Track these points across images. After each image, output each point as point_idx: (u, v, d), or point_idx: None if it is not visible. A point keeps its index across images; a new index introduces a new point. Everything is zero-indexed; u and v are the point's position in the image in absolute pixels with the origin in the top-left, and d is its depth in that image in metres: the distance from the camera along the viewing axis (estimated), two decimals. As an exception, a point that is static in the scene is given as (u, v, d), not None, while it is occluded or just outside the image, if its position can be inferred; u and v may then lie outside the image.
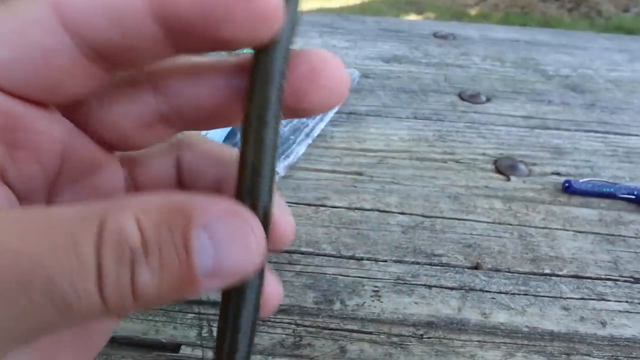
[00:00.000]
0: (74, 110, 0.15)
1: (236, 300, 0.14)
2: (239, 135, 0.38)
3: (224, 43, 0.12)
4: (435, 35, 0.67)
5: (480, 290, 0.29)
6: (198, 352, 0.25)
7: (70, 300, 0.10)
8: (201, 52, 0.13)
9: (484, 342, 0.26)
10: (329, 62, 0.14)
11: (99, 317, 0.11)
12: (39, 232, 0.11)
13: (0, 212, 0.12)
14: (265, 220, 0.13)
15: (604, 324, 0.27)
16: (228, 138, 0.38)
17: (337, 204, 0.35)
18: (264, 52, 0.13)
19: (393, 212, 0.35)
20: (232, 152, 0.16)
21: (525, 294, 0.29)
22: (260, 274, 0.14)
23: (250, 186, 0.13)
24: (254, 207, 0.13)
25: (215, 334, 0.25)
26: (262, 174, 0.13)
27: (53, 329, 0.11)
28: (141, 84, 0.15)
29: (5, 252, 0.10)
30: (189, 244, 0.11)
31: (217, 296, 0.28)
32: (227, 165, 0.16)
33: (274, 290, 0.15)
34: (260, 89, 0.13)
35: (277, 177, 0.14)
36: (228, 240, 0.12)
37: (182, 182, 0.17)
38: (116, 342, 0.25)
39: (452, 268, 0.30)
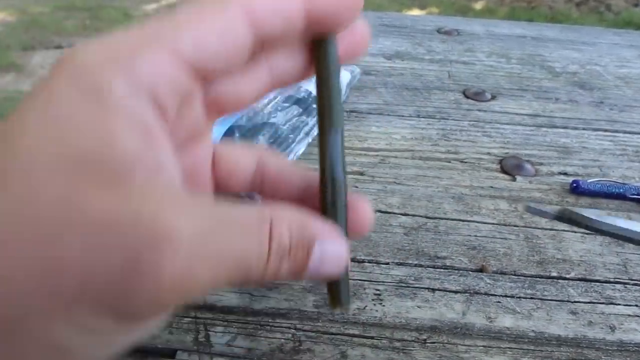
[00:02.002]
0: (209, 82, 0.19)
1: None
2: (236, 134, 0.38)
3: (327, 27, 0.19)
4: (438, 30, 0.67)
5: (485, 293, 0.29)
6: (195, 358, 0.25)
7: (249, 272, 0.17)
8: (309, 35, 0.20)
9: (489, 347, 0.26)
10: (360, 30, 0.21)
11: (256, 282, 0.17)
12: (242, 228, 0.17)
13: (210, 207, 0.17)
14: (345, 220, 0.21)
15: (613, 328, 0.27)
16: (226, 135, 0.38)
17: (337, 205, 0.35)
18: (330, 36, 0.20)
19: (395, 213, 0.35)
20: (304, 169, 0.23)
21: (532, 298, 0.29)
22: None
23: (332, 200, 0.21)
24: (335, 216, 0.20)
25: (211, 339, 0.25)
26: (340, 187, 0.21)
27: (233, 282, 0.17)
28: (260, 62, 0.20)
29: (229, 238, 0.16)
30: (310, 251, 0.18)
31: (213, 300, 0.28)
32: (303, 178, 0.22)
33: (365, 214, 0.22)
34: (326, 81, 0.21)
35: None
36: (329, 254, 0.19)
37: (261, 177, 0.23)
38: (110, 347, 0.25)
39: (456, 271, 0.30)
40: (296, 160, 0.24)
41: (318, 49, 0.20)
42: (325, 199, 0.21)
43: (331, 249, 0.19)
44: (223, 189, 0.23)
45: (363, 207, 0.22)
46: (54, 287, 0.14)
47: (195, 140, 0.21)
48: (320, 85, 0.21)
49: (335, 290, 0.21)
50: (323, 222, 0.19)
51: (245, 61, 0.19)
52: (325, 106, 0.21)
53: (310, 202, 0.22)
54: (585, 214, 0.30)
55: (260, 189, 0.23)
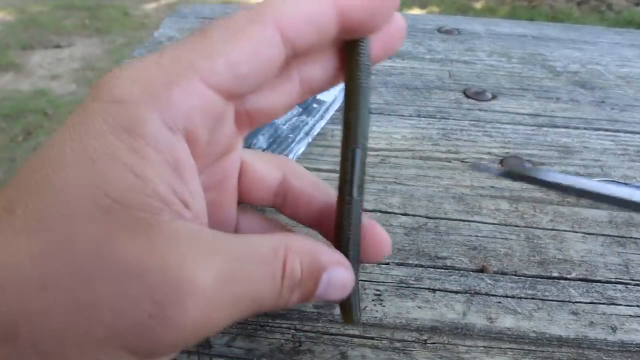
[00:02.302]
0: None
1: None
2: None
3: (359, 33, 0.19)
4: (439, 30, 0.67)
5: (486, 294, 0.29)
6: (194, 358, 0.25)
7: (261, 307, 0.18)
8: (342, 39, 0.19)
9: (490, 347, 0.26)
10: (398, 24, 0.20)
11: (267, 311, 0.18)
12: (258, 265, 0.17)
13: (228, 241, 0.18)
14: (357, 241, 0.21)
15: (614, 329, 0.27)
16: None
17: (337, 205, 0.35)
18: (362, 40, 0.19)
19: (395, 213, 0.35)
20: (326, 187, 0.23)
21: (533, 298, 0.29)
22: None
23: (346, 221, 0.21)
24: (347, 236, 0.21)
25: (211, 340, 0.25)
26: (355, 208, 0.21)
27: (245, 315, 0.17)
28: (292, 75, 0.20)
29: (246, 277, 0.17)
30: (318, 281, 0.19)
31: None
32: (325, 197, 0.23)
33: (382, 240, 0.22)
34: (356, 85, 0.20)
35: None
36: (335, 281, 0.20)
37: (283, 194, 0.23)
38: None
39: (457, 271, 0.30)
40: (317, 178, 0.24)
41: (350, 51, 0.19)
42: (340, 218, 0.21)
43: (337, 276, 0.20)
44: (246, 200, 0.24)
45: (378, 233, 0.22)
46: (87, 328, 0.15)
47: (226, 154, 0.21)
48: (349, 93, 0.20)
49: (347, 307, 0.22)
50: (332, 251, 0.20)
51: (278, 74, 0.19)
52: (352, 118, 0.20)
53: (329, 222, 0.22)
54: (534, 172, 0.29)
55: (281, 204, 0.24)
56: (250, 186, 0.23)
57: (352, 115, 0.20)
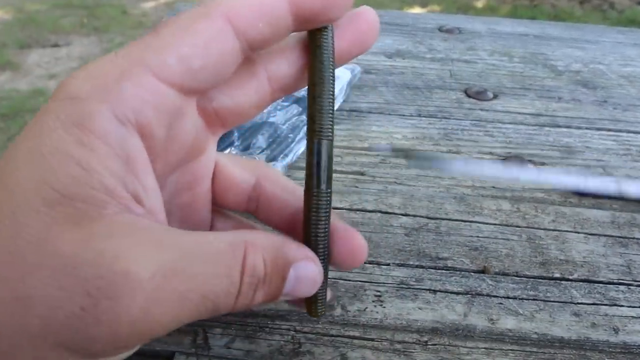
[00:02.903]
0: (204, 96, 0.20)
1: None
2: (235, 133, 0.38)
3: (317, 23, 0.19)
4: (440, 29, 0.67)
5: (487, 295, 0.29)
6: (192, 360, 0.25)
7: (217, 307, 0.17)
8: (300, 31, 0.19)
9: (491, 349, 0.26)
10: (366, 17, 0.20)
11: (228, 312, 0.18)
12: (210, 261, 0.17)
13: (180, 235, 0.17)
14: (326, 247, 0.21)
15: (616, 330, 0.27)
16: (224, 135, 0.38)
17: (337, 205, 0.35)
18: (323, 30, 0.19)
19: (396, 214, 0.35)
20: (301, 191, 0.22)
21: (534, 299, 0.29)
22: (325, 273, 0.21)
23: (313, 215, 0.20)
24: (316, 243, 0.20)
25: (210, 341, 0.25)
26: (323, 200, 0.20)
27: (199, 315, 0.17)
28: (258, 72, 0.20)
29: (195, 274, 0.16)
30: (285, 277, 0.19)
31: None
32: (298, 200, 0.22)
33: (359, 245, 0.22)
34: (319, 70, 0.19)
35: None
36: (304, 276, 0.19)
37: (256, 199, 0.23)
38: (107, 349, 0.25)
39: (458, 272, 0.30)
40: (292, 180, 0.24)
41: (312, 42, 0.19)
42: (307, 212, 0.21)
43: (305, 271, 0.19)
44: (220, 203, 0.24)
45: (354, 238, 0.21)
46: (21, 320, 0.15)
47: (196, 155, 0.21)
48: (312, 83, 0.19)
49: (313, 301, 0.21)
50: (298, 246, 0.20)
51: (237, 68, 0.19)
52: (315, 109, 0.19)
53: (302, 227, 0.22)
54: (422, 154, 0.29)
55: (255, 209, 0.23)
56: (223, 190, 0.23)
57: (315, 106, 0.19)
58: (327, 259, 0.21)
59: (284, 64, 0.20)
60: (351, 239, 0.21)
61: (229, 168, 0.23)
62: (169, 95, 0.17)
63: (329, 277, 0.22)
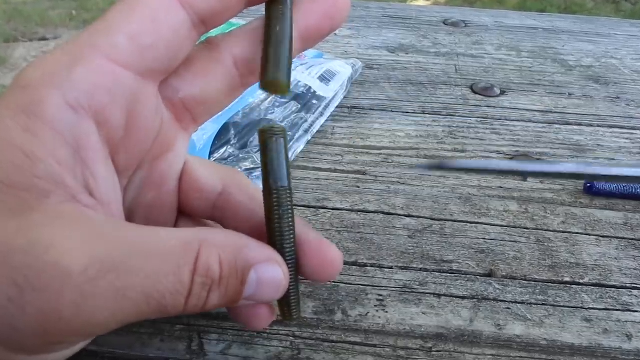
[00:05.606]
0: (166, 84, 0.20)
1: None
2: (232, 131, 0.38)
3: None
4: (445, 22, 0.67)
5: (494, 299, 0.29)
6: (187, 367, 0.25)
7: (163, 307, 0.16)
8: (255, 5, 0.19)
9: (498, 356, 0.26)
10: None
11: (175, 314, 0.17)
12: (156, 257, 0.16)
13: (125, 229, 0.17)
14: (293, 247, 0.20)
15: (629, 336, 0.27)
16: (221, 133, 0.38)
17: (338, 206, 0.35)
18: (280, 2, 0.19)
19: (399, 215, 0.35)
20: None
21: (544, 304, 0.29)
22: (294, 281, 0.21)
23: (274, 213, 0.20)
24: (281, 243, 0.20)
25: (205, 347, 0.26)
26: (283, 199, 0.20)
27: (141, 315, 0.16)
28: (223, 55, 0.20)
29: (136, 269, 0.16)
30: (245, 279, 0.18)
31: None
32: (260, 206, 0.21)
33: (333, 257, 0.21)
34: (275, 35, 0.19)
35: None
36: (267, 279, 0.19)
37: (222, 207, 0.22)
38: (99, 357, 0.25)
39: (464, 275, 0.31)
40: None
41: (267, 15, 0.19)
42: (267, 211, 0.20)
43: (268, 274, 0.19)
44: (184, 208, 0.23)
45: (327, 250, 0.21)
46: None
47: (164, 151, 0.21)
48: (265, 45, 0.19)
49: (286, 306, 0.21)
50: (260, 246, 0.19)
51: (193, 46, 0.19)
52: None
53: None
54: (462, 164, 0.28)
55: (221, 218, 0.23)
56: (187, 193, 0.23)
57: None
58: (294, 259, 0.21)
59: (250, 46, 0.20)
60: (324, 252, 0.21)
61: (197, 171, 0.23)
62: (124, 77, 0.17)
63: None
